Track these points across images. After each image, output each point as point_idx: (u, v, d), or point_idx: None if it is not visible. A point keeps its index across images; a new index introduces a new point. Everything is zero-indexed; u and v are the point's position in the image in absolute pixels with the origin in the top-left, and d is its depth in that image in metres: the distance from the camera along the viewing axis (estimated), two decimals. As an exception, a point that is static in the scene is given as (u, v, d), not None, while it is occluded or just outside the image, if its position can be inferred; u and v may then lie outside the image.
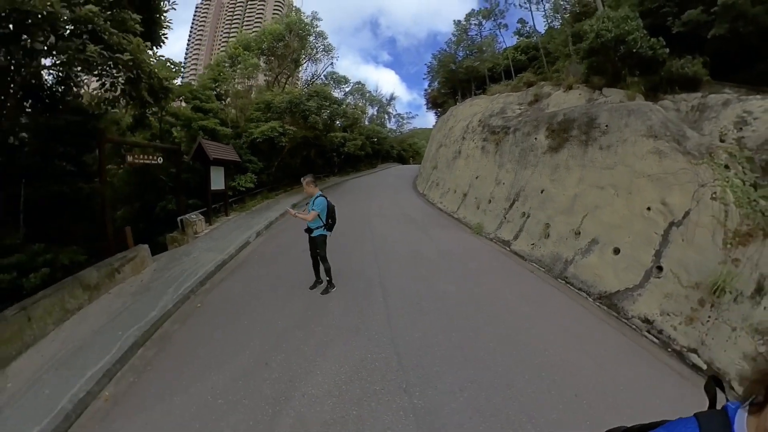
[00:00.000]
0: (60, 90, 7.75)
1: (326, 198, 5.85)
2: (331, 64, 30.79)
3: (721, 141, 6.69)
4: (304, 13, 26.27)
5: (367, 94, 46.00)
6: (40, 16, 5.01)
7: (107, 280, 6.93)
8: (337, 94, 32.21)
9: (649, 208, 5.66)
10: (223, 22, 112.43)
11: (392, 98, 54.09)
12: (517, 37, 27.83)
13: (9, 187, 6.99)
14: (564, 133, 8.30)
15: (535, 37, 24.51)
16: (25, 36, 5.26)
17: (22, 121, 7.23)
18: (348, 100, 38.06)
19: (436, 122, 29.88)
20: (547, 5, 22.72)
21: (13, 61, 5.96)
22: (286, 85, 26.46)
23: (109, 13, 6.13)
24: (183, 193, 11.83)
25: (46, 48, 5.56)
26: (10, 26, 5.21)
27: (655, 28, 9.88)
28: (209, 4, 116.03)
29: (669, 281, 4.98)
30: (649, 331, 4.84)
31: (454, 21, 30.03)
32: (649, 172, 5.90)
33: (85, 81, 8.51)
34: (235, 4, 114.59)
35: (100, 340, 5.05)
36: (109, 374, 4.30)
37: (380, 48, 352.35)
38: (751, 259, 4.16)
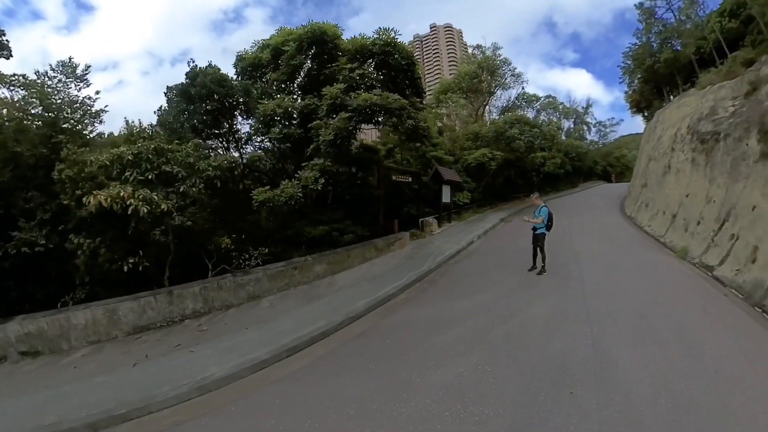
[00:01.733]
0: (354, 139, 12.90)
1: (548, 207, 8.66)
2: (522, 87, 32.42)
3: None
4: (485, 46, 29.46)
5: (560, 107, 43.21)
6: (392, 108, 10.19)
7: (386, 248, 11.76)
8: (529, 113, 33.45)
9: None
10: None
11: (589, 105, 48.00)
12: None
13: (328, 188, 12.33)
14: (777, 135, 7.29)
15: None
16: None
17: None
18: (541, 118, 37.82)
19: (645, 129, 25.95)
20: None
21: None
22: (484, 115, 30.09)
23: (409, 101, 11.06)
24: (421, 203, 16.75)
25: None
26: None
27: None
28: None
29: None
30: None
31: (636, 5, 24.95)
32: None
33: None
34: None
35: (391, 274, 9.27)
36: (402, 289, 8.19)
37: (563, 48, 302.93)
38: None
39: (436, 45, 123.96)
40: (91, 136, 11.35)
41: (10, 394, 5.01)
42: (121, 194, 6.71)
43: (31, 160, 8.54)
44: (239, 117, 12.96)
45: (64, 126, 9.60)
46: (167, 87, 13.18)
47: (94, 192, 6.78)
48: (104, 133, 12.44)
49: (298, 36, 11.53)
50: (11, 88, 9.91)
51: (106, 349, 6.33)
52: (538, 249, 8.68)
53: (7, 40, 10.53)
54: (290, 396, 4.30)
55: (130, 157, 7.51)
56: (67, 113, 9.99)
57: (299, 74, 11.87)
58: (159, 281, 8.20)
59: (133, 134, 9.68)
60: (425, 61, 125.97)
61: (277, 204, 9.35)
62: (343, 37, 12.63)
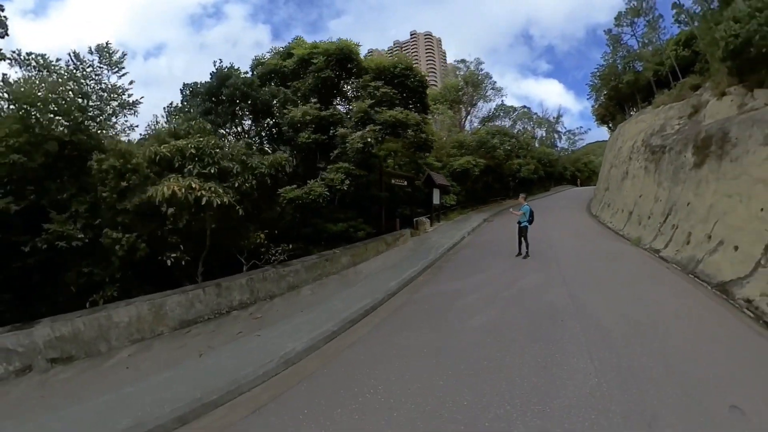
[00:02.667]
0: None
1: (529, 206, 10.86)
2: (502, 100, 36.32)
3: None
4: (469, 61, 33.14)
5: (534, 117, 47.39)
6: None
7: (393, 242, 13.50)
8: (506, 123, 37.06)
9: (762, 209, 6.83)
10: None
11: (559, 115, 53.16)
12: (677, 25, 23.04)
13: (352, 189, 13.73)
14: (705, 149, 9.69)
15: (696, 22, 19.78)
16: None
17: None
18: (517, 127, 41.46)
19: (609, 139, 29.64)
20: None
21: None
22: (465, 124, 32.99)
23: (421, 115, 12.89)
24: (414, 204, 18.62)
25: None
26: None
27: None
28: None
29: (773, 269, 7.10)
30: (747, 308, 6.14)
31: (605, 31, 29.06)
32: (764, 176, 7.05)
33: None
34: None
35: (405, 263, 10.89)
36: (419, 273, 9.86)
37: (538, 59, 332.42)
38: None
39: (416, 52, 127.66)
40: (123, 126, 11.12)
41: (58, 405, 4.31)
42: (193, 186, 6.88)
43: (54, 147, 8.07)
44: (264, 119, 13.94)
45: (93, 114, 9.43)
46: (183, 84, 14.17)
47: (166, 183, 6.86)
48: (136, 125, 12.06)
49: (325, 50, 12.99)
50: (23, 67, 9.47)
51: (155, 346, 6.05)
52: (523, 239, 10.84)
53: (5, 17, 9.46)
54: (370, 352, 5.21)
55: (193, 151, 7.68)
56: (93, 100, 9.76)
57: (320, 84, 13.20)
58: (190, 277, 8.31)
59: (175, 129, 9.75)
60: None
61: (306, 201, 10.69)
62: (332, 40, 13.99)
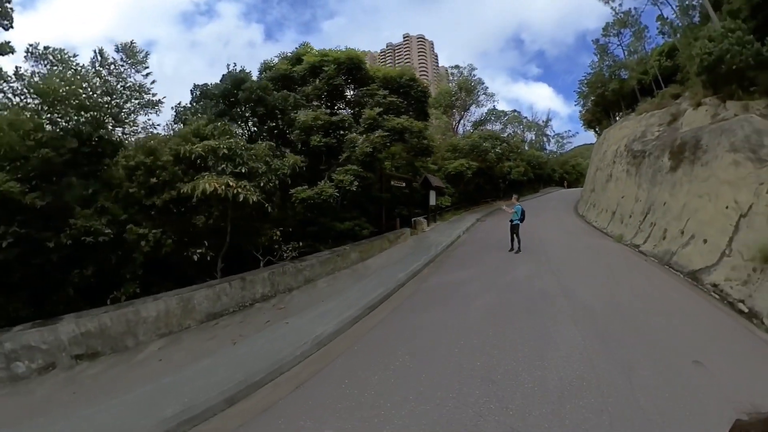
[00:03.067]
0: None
1: (521, 206, 11.90)
2: (494, 105, 37.64)
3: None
4: (463, 66, 34.56)
5: (524, 121, 48.49)
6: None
7: (395, 240, 14.30)
8: (497, 126, 38.28)
9: (727, 207, 7.87)
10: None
11: (548, 119, 54.99)
12: (661, 36, 24.36)
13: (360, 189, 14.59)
14: (680, 155, 10.87)
15: (678, 34, 20.99)
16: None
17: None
18: (507, 130, 42.77)
19: (595, 144, 31.05)
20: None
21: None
22: (459, 127, 34.16)
23: (423, 123, 13.75)
24: (411, 205, 19.48)
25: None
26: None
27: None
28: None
29: (735, 258, 7.07)
30: (714, 291, 7.16)
31: (593, 41, 30.64)
32: (729, 179, 8.09)
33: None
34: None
35: (408, 258, 11.69)
36: (423, 267, 10.65)
37: (528, 63, 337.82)
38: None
39: (408, 54, 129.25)
40: (145, 124, 11.22)
41: (94, 400, 4.26)
42: (230, 184, 7.30)
43: (74, 143, 8.13)
44: (267, 121, 14.35)
45: (113, 111, 9.57)
46: (194, 84, 14.27)
47: (205, 180, 7.17)
48: (158, 124, 12.24)
49: (335, 59, 13.85)
50: (38, 61, 9.43)
51: (185, 338, 6.15)
52: (515, 235, 11.80)
53: (11, 8, 9.37)
54: (393, 331, 5.94)
55: (225, 151, 7.95)
56: (114, 98, 9.85)
57: (328, 90, 13.96)
58: (208, 273, 8.57)
59: (200, 129, 9.70)
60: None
61: (317, 201, 11.34)
62: (328, 46, 14.95)
